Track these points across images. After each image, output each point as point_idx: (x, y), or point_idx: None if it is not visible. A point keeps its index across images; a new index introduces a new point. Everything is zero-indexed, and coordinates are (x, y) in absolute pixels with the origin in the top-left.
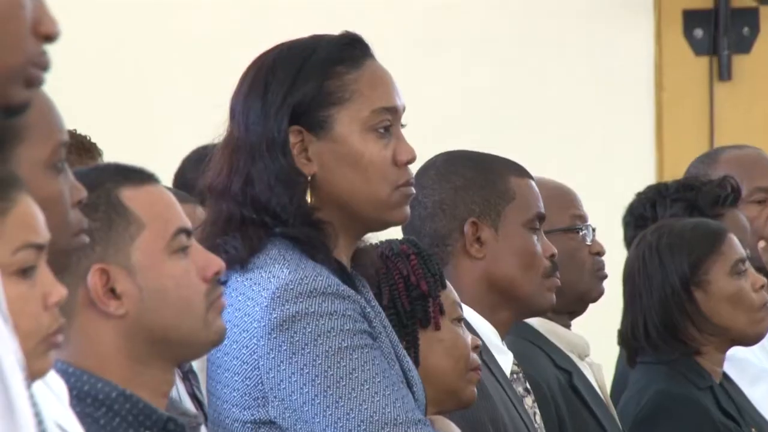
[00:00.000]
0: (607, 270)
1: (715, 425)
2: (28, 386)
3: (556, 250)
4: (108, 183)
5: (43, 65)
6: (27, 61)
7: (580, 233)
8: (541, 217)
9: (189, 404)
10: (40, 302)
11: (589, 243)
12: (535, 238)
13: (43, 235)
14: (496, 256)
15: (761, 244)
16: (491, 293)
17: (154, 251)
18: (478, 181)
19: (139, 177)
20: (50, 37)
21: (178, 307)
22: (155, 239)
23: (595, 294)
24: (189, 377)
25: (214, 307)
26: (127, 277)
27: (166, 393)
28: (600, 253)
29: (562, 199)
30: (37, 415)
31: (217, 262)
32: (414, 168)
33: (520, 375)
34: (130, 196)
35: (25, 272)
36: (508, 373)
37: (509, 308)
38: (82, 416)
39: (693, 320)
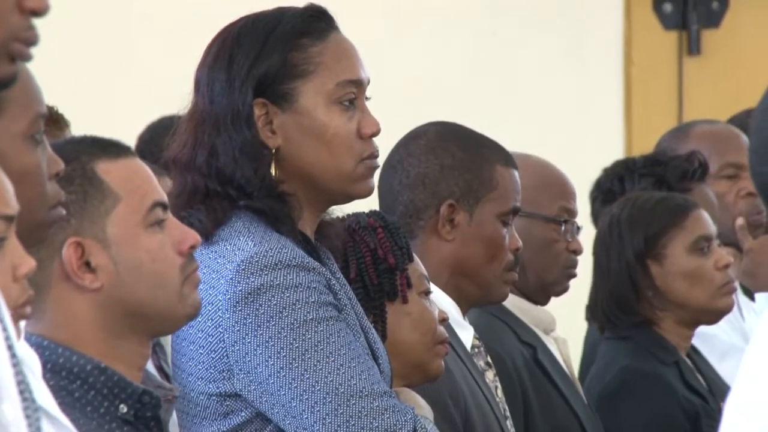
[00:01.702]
0: (574, 244)
1: (679, 401)
2: (12, 355)
3: (521, 244)
4: (83, 156)
5: (29, 40)
6: (10, 36)
7: (563, 226)
8: (515, 211)
9: (156, 378)
10: (10, 274)
11: (569, 239)
12: (505, 230)
13: (13, 206)
14: (465, 241)
15: (739, 221)
16: (455, 275)
17: (130, 225)
18: (466, 163)
19: (115, 150)
20: (37, 12)
21: (154, 280)
22: (131, 213)
23: (559, 289)
24: (156, 350)
25: (189, 281)
26: (102, 250)
27: (141, 366)
28: (577, 251)
29: (557, 188)
30: (21, 383)
31: (192, 236)
32: (382, 139)
33: (481, 349)
34: (106, 169)
35: None
36: (468, 347)
37: (472, 289)
38: (57, 389)
39: (646, 294)
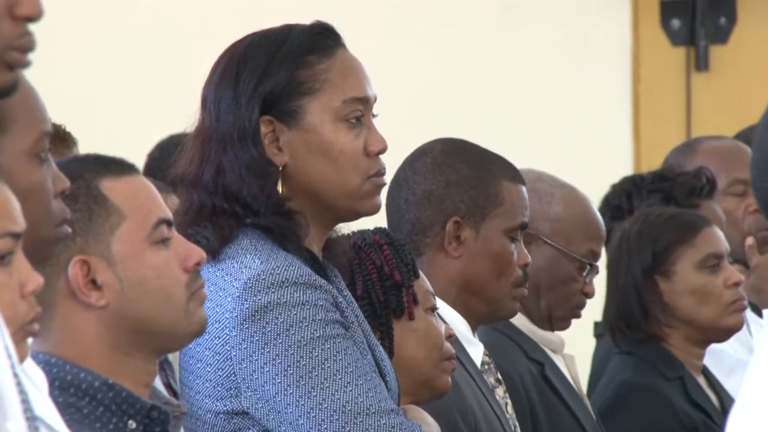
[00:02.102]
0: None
1: (677, 416)
2: (14, 374)
3: (530, 260)
4: (87, 174)
5: (25, 47)
6: (4, 44)
7: (586, 269)
8: (523, 226)
9: (164, 394)
10: (17, 291)
11: (586, 282)
12: (513, 246)
13: (20, 223)
14: (471, 258)
15: (749, 241)
16: (463, 291)
17: (135, 242)
18: (472, 180)
19: (119, 168)
20: (31, 18)
21: (159, 297)
22: (136, 230)
23: (563, 326)
24: (164, 367)
25: (195, 298)
26: (107, 268)
27: (148, 383)
28: (588, 295)
29: (592, 230)
30: (25, 402)
31: (198, 253)
32: (391, 156)
33: (491, 366)
34: (111, 186)
35: (2, 260)
36: (478, 364)
37: (480, 306)
38: (66, 406)
39: (653, 310)
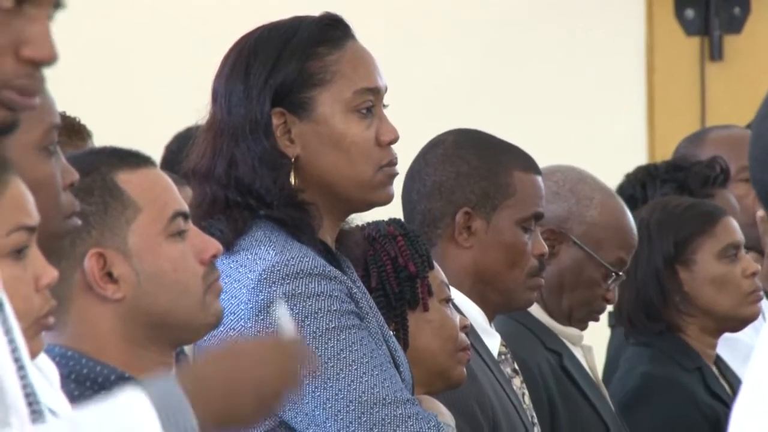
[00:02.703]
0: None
1: (698, 407)
2: (20, 368)
3: (546, 250)
4: (103, 167)
5: (24, 89)
6: (1, 82)
7: (612, 276)
8: (538, 216)
9: None
10: (32, 284)
11: (609, 289)
12: (526, 236)
13: (35, 217)
14: (483, 248)
15: (759, 212)
16: (477, 282)
17: (151, 235)
18: (482, 170)
19: (135, 160)
20: (35, 62)
21: (176, 290)
22: (152, 223)
23: (581, 326)
24: (180, 359)
25: (211, 290)
26: (123, 260)
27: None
28: (609, 301)
29: (624, 239)
30: (31, 395)
31: (214, 245)
32: (401, 147)
33: (508, 356)
34: (126, 179)
35: (17, 254)
36: (495, 354)
37: (495, 296)
38: (81, 399)
39: (673, 299)
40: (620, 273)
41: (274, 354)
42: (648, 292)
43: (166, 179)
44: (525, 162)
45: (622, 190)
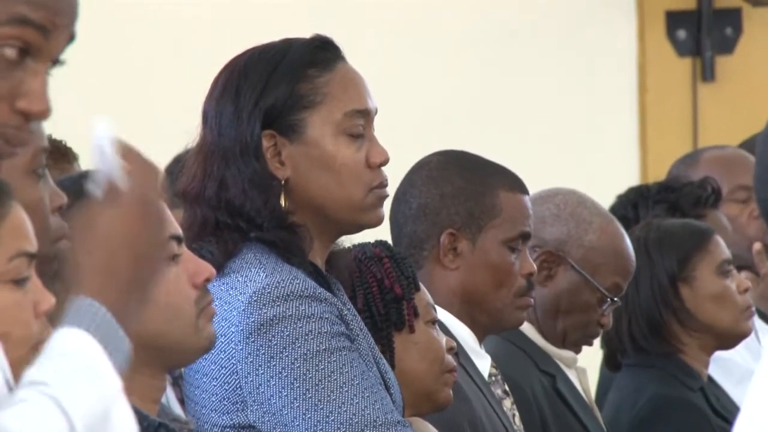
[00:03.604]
0: (606, 319)
1: (712, 427)
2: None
3: (534, 269)
4: None
5: (11, 139)
6: None
7: (607, 302)
8: (525, 236)
9: (178, 410)
10: (32, 310)
11: (604, 314)
12: (513, 256)
13: (34, 243)
14: (469, 269)
15: (756, 246)
16: (465, 303)
17: None
18: (466, 192)
19: None
20: (29, 115)
21: (168, 313)
22: None
23: (574, 350)
24: (179, 383)
25: (204, 314)
26: None
27: (157, 399)
28: (604, 326)
29: (621, 265)
30: None
31: (207, 269)
32: (394, 168)
33: (499, 377)
34: None
35: (18, 281)
36: (486, 375)
37: (483, 317)
38: None
39: (678, 316)
40: (615, 299)
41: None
42: (652, 310)
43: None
44: (510, 182)
45: (614, 210)
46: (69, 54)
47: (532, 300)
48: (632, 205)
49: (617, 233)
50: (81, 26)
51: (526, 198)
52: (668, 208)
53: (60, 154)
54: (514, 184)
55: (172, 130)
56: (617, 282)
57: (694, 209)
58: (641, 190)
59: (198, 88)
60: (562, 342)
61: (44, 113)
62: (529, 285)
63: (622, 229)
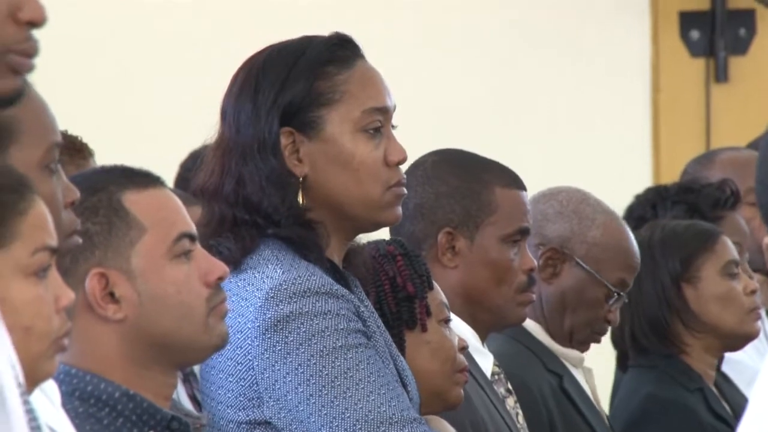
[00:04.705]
0: (612, 315)
1: (704, 428)
2: (32, 390)
3: (535, 265)
4: (112, 186)
5: (28, 52)
6: (5, 48)
7: (614, 297)
8: (523, 231)
9: (189, 406)
10: (53, 305)
11: (611, 309)
12: (513, 251)
13: (55, 238)
14: (468, 267)
15: (766, 240)
16: (466, 302)
17: (155, 256)
18: (462, 190)
19: (144, 180)
20: (34, 23)
21: (179, 312)
22: (156, 244)
23: (582, 348)
24: (189, 379)
25: (215, 312)
26: (126, 281)
27: (168, 396)
28: (612, 323)
29: (626, 260)
30: (30, 412)
31: (220, 267)
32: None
33: (501, 376)
34: (133, 199)
35: (41, 274)
36: (488, 374)
37: (485, 315)
38: (86, 417)
39: (681, 317)
40: (622, 294)
41: None
42: (655, 310)
43: (175, 200)
44: (506, 178)
45: (632, 210)
46: (81, 50)
47: (533, 296)
48: (651, 206)
49: (621, 229)
50: (94, 21)
51: (523, 193)
52: (687, 209)
53: (75, 149)
54: (510, 180)
55: (187, 126)
56: (622, 277)
57: (713, 211)
58: (660, 190)
59: (216, 85)
60: (570, 340)
61: (44, 18)
62: (530, 281)
63: (625, 225)
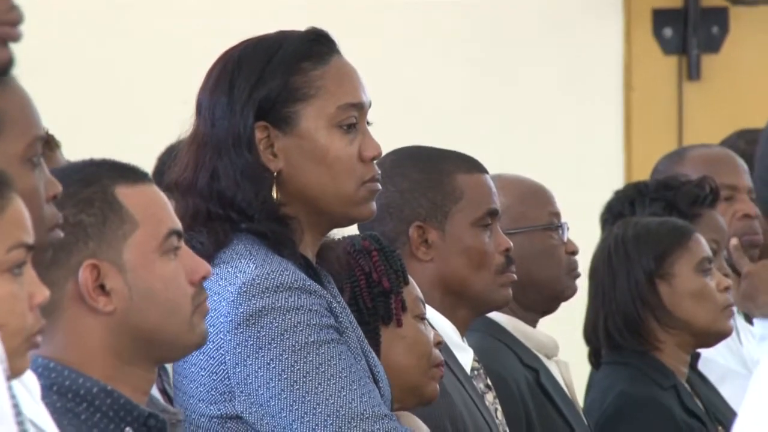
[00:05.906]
0: (570, 245)
1: (678, 425)
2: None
3: (511, 245)
4: (105, 179)
5: (13, 21)
6: None
7: (558, 231)
8: (492, 213)
9: (161, 402)
10: (27, 302)
11: (565, 242)
12: (485, 235)
13: (32, 235)
14: (444, 258)
15: (733, 241)
16: (446, 294)
17: (146, 251)
18: (424, 182)
19: (134, 176)
20: None
21: (166, 308)
22: (148, 239)
23: (569, 293)
24: (160, 373)
25: (199, 311)
26: (117, 274)
27: (146, 391)
28: (574, 252)
29: (540, 196)
30: (16, 406)
31: (204, 267)
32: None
33: (481, 371)
34: (126, 194)
35: (16, 271)
36: (468, 369)
37: (466, 306)
38: (63, 411)
39: (655, 313)
40: (561, 224)
41: None
42: (629, 307)
43: (163, 197)
44: (466, 164)
45: (610, 207)
46: (61, 45)
47: (514, 275)
48: (629, 202)
49: (512, 179)
50: (74, 17)
51: (486, 176)
52: (665, 206)
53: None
54: (471, 165)
55: (164, 120)
56: (550, 210)
57: (691, 208)
58: (638, 187)
59: (191, 79)
60: (557, 299)
61: None
62: (508, 261)
63: (513, 175)
